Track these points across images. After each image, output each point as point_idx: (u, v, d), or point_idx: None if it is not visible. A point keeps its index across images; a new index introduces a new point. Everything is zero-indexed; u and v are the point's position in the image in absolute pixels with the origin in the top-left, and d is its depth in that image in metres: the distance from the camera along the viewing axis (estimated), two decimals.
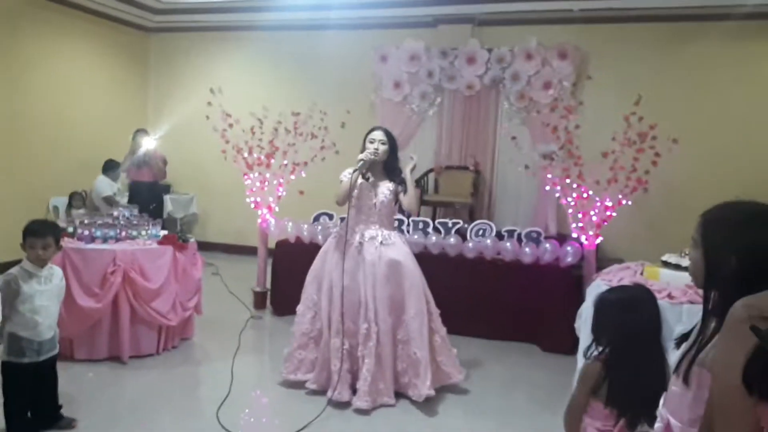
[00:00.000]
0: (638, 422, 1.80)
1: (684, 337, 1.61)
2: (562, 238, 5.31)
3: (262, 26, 7.69)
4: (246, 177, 5.54)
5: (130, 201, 6.35)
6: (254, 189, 5.53)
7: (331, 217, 5.43)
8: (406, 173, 3.79)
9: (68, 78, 7.19)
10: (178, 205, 7.81)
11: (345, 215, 3.77)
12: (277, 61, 7.83)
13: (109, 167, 6.90)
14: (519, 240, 5.05)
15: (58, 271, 3.15)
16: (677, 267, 3.63)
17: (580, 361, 3.70)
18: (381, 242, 3.66)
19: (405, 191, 3.78)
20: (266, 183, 5.51)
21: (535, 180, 6.04)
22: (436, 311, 3.83)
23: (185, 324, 4.51)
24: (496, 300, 4.91)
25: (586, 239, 4.85)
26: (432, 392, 3.56)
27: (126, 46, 8.05)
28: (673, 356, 1.78)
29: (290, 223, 5.39)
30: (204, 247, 4.77)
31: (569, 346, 4.04)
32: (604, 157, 4.75)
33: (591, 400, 1.98)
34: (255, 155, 5.49)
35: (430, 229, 5.19)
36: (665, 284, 3.40)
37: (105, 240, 4.16)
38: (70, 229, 4.27)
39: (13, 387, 2.95)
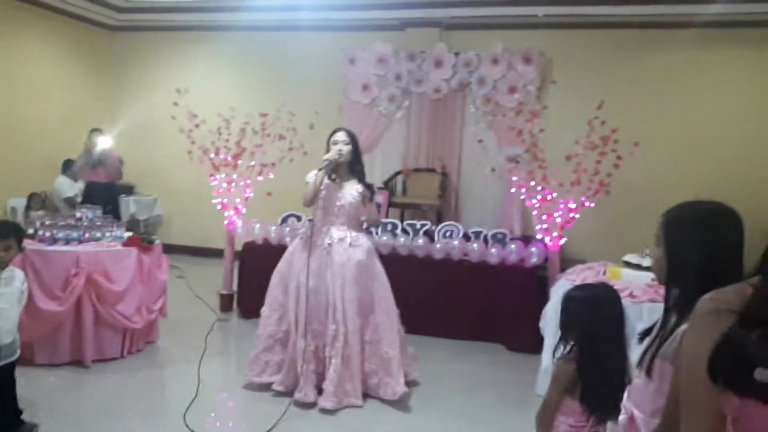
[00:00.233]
0: (608, 417, 1.85)
1: (646, 333, 1.67)
2: (526, 239, 5.41)
3: (229, 26, 7.63)
4: (212, 178, 5.48)
5: (84, 202, 6.08)
6: (221, 190, 5.48)
7: (299, 218, 5.41)
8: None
9: (28, 76, 7.01)
10: (142, 206, 7.66)
11: (310, 217, 3.79)
12: (244, 61, 7.78)
13: (69, 167, 6.75)
14: (485, 241, 5.12)
15: (19, 274, 3.07)
16: (638, 267, 3.75)
17: (545, 359, 3.79)
18: (350, 244, 3.67)
19: (372, 198, 3.82)
20: (233, 184, 5.47)
21: (501, 182, 6.13)
22: (396, 310, 3.87)
23: (150, 327, 4.43)
24: (463, 300, 4.97)
25: (550, 240, 4.94)
26: (406, 389, 3.60)
27: (89, 44, 7.89)
28: (635, 352, 1.84)
29: (258, 225, 5.36)
30: (168, 249, 4.70)
31: (534, 345, 4.11)
32: (568, 160, 4.86)
33: (565, 399, 2.02)
34: (221, 156, 5.44)
35: (398, 231, 5.22)
36: (627, 283, 3.51)
37: (68, 242, 4.07)
38: (31, 231, 4.16)
39: None
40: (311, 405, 3.52)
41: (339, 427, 3.37)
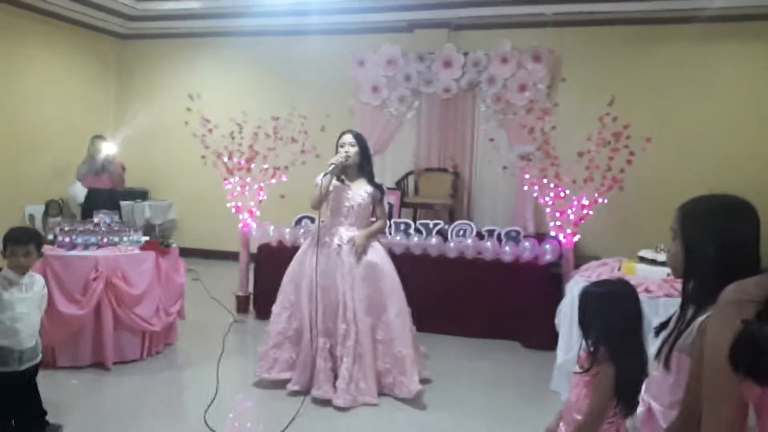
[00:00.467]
0: (631, 411, 1.85)
1: (662, 326, 1.68)
2: (540, 236, 5.41)
3: (239, 32, 7.70)
4: (226, 182, 5.54)
5: (85, 209, 6.08)
6: (235, 194, 5.53)
7: (312, 220, 5.43)
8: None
9: (39, 85, 7.11)
10: (157, 211, 7.75)
11: (323, 218, 3.84)
12: (255, 66, 7.84)
13: None
14: (499, 239, 5.14)
15: (39, 279, 3.12)
16: (653, 262, 3.75)
17: (560, 356, 3.80)
18: (351, 238, 3.71)
19: (381, 199, 3.86)
20: (247, 188, 5.52)
21: (513, 180, 6.14)
22: (408, 309, 3.90)
23: (169, 329, 4.49)
24: (477, 298, 4.99)
25: (564, 237, 4.95)
26: (421, 386, 3.62)
27: (101, 53, 7.98)
28: (652, 346, 1.85)
29: (272, 227, 5.41)
30: (183, 253, 4.76)
31: (550, 342, 4.11)
32: (580, 157, 4.86)
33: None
34: (235, 160, 5.49)
35: (411, 230, 5.25)
36: (642, 279, 3.51)
37: (86, 247, 4.13)
38: (51, 237, 4.24)
39: None
40: (328, 402, 3.55)
41: (355, 424, 3.40)
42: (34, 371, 3.05)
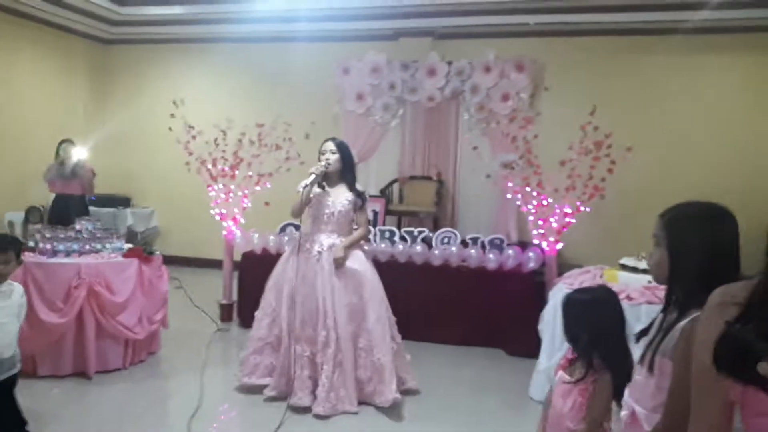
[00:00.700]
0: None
1: (643, 333, 1.72)
2: (523, 244, 5.46)
3: (224, 38, 7.69)
4: (210, 189, 5.52)
5: (53, 215, 5.93)
6: (219, 201, 5.51)
7: (297, 227, 5.42)
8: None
9: (22, 90, 7.03)
10: (139, 218, 7.69)
11: (304, 225, 3.87)
12: (240, 73, 7.83)
13: None
14: (483, 247, 5.18)
15: (18, 288, 3.07)
16: (635, 270, 3.80)
17: (542, 362, 3.83)
18: (331, 246, 3.72)
19: (362, 206, 3.86)
20: (231, 194, 5.50)
21: (497, 189, 6.18)
22: (393, 319, 3.90)
23: (152, 338, 4.45)
24: (461, 306, 5.01)
25: (547, 245, 5.00)
26: (398, 395, 3.61)
27: (84, 58, 7.92)
28: (634, 353, 1.88)
29: (256, 235, 5.39)
30: (166, 260, 4.71)
31: (533, 349, 4.13)
32: (562, 166, 4.92)
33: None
34: (219, 167, 5.47)
35: (396, 238, 5.27)
36: (624, 286, 3.56)
37: (68, 254, 4.09)
38: (31, 243, 4.19)
39: None
40: (307, 410, 3.55)
41: None
42: (12, 381, 3.00)
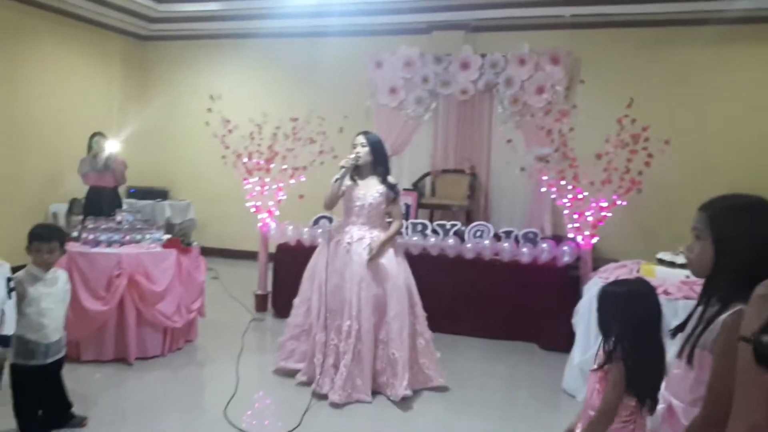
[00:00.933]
0: (654, 408, 1.86)
1: (679, 328, 1.70)
2: (557, 238, 5.41)
3: (258, 34, 7.77)
4: (246, 182, 5.60)
5: (88, 207, 6.04)
6: (254, 194, 5.60)
7: (330, 220, 5.49)
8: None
9: (65, 86, 7.23)
10: (176, 211, 7.85)
11: (340, 218, 3.93)
12: (274, 68, 7.91)
13: None
14: (516, 241, 5.14)
15: (63, 275, 3.20)
16: (672, 264, 3.74)
17: (576, 356, 3.80)
18: (369, 244, 3.74)
19: (395, 199, 3.88)
20: (266, 188, 5.58)
21: (531, 182, 6.13)
22: (422, 314, 3.90)
23: (189, 326, 4.57)
24: (494, 300, 5.00)
25: (583, 239, 4.94)
26: (409, 392, 3.61)
27: (122, 54, 8.10)
28: (670, 348, 1.86)
29: (291, 227, 5.46)
30: (202, 252, 4.83)
31: (567, 343, 4.10)
32: (598, 159, 4.85)
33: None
34: (254, 160, 5.56)
35: (428, 231, 5.27)
36: (661, 281, 3.50)
37: (110, 244, 4.21)
38: (74, 234, 4.33)
39: (23, 389, 2.99)
40: (325, 397, 3.61)
41: (354, 420, 3.45)
42: (59, 365, 3.13)
